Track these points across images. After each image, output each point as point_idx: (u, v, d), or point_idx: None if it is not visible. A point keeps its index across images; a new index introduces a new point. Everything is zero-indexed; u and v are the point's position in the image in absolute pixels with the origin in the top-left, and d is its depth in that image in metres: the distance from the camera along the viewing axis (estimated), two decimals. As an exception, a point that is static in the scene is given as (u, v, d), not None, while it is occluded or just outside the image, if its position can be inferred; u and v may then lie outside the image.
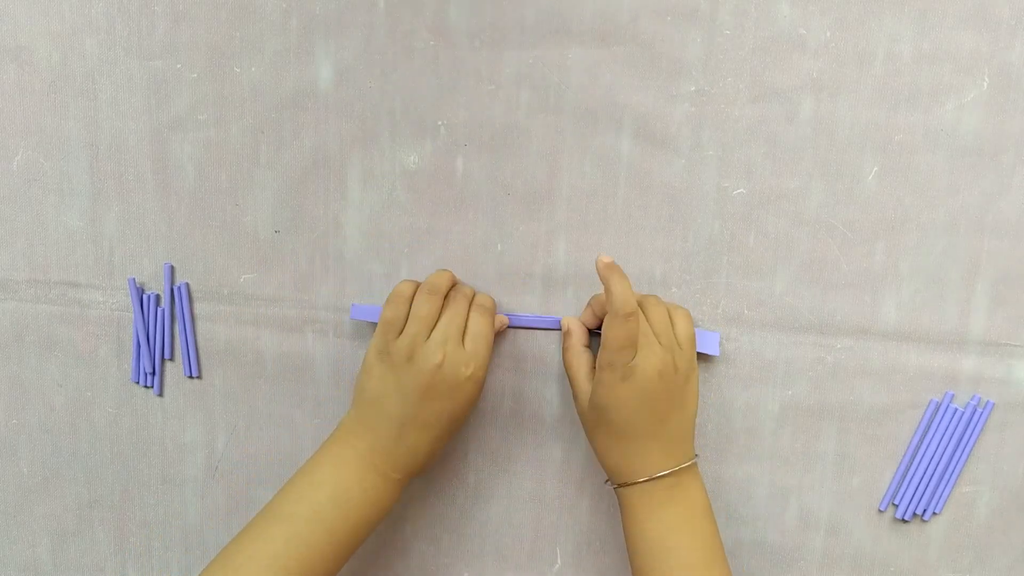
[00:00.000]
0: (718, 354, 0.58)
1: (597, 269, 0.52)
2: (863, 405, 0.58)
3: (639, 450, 0.54)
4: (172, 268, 0.62)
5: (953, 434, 0.58)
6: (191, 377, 0.63)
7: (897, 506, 0.59)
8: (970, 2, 0.54)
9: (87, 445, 0.65)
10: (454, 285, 0.59)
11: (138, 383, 0.64)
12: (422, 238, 0.60)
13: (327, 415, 0.63)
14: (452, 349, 0.55)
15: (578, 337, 0.58)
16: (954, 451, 0.58)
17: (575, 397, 0.57)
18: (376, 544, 0.64)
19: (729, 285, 0.58)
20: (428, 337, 0.55)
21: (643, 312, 0.55)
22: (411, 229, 0.60)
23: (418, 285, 0.57)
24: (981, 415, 0.57)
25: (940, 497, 0.59)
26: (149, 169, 0.61)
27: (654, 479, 0.54)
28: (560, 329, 0.59)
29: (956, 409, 0.58)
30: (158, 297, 0.63)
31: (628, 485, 0.55)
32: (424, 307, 0.56)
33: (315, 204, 0.60)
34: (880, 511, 0.60)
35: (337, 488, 0.55)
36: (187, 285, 0.62)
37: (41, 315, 0.64)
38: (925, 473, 0.58)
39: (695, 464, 0.56)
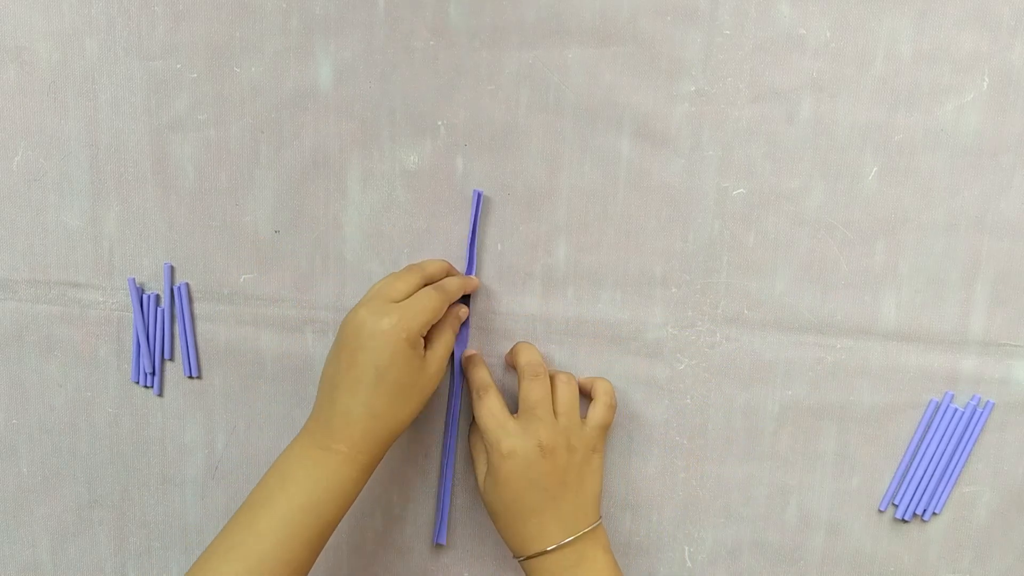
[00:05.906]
0: None
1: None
2: (863, 405, 0.58)
3: (531, 527, 0.54)
4: (172, 268, 0.62)
5: (953, 434, 0.58)
6: (191, 377, 0.63)
7: (897, 506, 0.59)
8: (970, 2, 0.54)
9: (87, 445, 0.65)
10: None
11: (138, 383, 0.64)
12: (422, 238, 0.60)
13: (327, 415, 0.63)
14: (377, 304, 0.53)
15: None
16: (954, 451, 0.58)
17: (476, 476, 0.58)
18: (376, 544, 0.64)
19: (729, 285, 0.58)
20: None
21: (552, 388, 0.57)
22: (411, 229, 0.60)
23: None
24: (981, 415, 0.57)
25: (940, 497, 0.59)
26: (149, 169, 0.61)
27: (551, 551, 0.54)
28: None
29: (956, 409, 0.58)
30: (158, 297, 0.63)
31: (527, 559, 0.55)
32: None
33: (315, 204, 0.60)
34: (880, 511, 0.60)
35: (281, 470, 0.53)
36: (187, 285, 0.62)
37: (41, 315, 0.64)
38: (925, 473, 0.58)
39: (599, 533, 0.56)
